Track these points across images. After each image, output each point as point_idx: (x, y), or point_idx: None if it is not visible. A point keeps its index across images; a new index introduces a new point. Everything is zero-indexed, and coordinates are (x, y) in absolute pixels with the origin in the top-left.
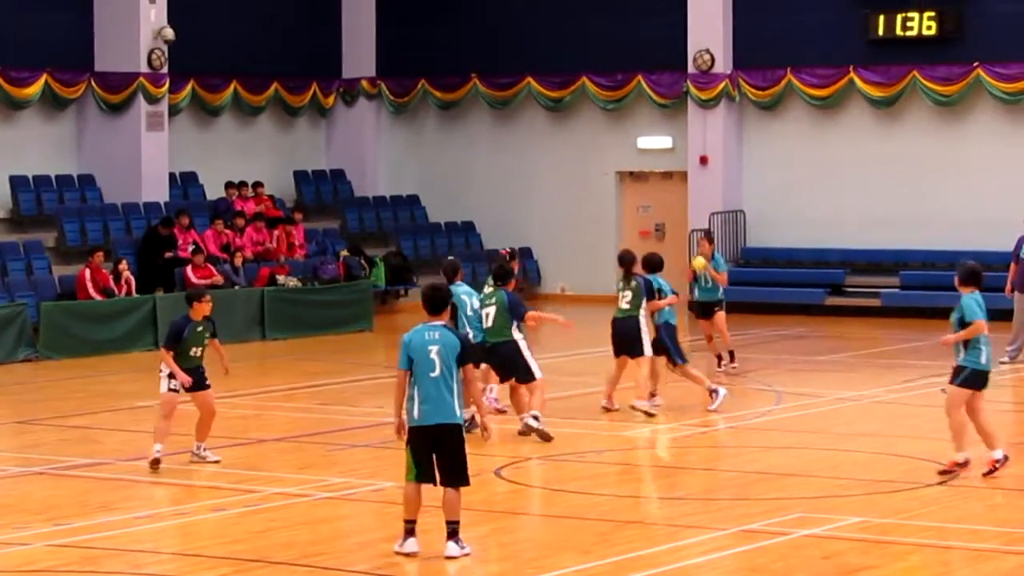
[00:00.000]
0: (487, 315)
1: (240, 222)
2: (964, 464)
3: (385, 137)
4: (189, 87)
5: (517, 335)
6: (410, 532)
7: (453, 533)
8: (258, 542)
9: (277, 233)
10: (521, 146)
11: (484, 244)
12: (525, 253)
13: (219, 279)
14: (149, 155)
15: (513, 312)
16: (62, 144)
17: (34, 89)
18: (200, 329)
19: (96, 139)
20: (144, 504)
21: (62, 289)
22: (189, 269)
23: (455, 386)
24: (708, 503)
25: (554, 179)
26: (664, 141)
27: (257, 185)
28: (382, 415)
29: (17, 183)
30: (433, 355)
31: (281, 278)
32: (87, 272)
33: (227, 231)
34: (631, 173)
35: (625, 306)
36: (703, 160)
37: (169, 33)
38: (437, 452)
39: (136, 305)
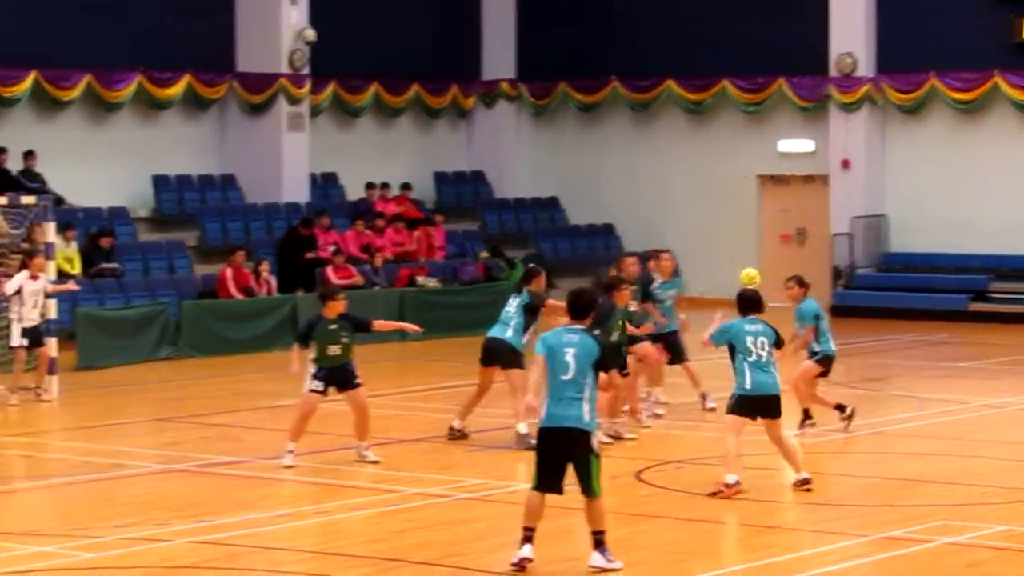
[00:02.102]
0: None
1: (380, 223)
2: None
3: (525, 139)
4: (330, 88)
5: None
6: (527, 539)
7: (598, 543)
8: (397, 542)
9: (417, 234)
10: (661, 148)
11: (623, 246)
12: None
13: (359, 280)
14: (290, 156)
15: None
16: (204, 144)
17: (176, 90)
18: (333, 327)
19: (237, 139)
20: (284, 502)
21: (203, 288)
22: (329, 269)
23: (587, 392)
24: (848, 509)
25: (694, 182)
26: (806, 145)
27: (405, 187)
28: None
29: (159, 183)
30: (568, 357)
31: (421, 279)
32: (228, 271)
33: (367, 232)
34: (772, 177)
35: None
36: (845, 164)
37: (310, 34)
38: (569, 459)
39: (276, 305)
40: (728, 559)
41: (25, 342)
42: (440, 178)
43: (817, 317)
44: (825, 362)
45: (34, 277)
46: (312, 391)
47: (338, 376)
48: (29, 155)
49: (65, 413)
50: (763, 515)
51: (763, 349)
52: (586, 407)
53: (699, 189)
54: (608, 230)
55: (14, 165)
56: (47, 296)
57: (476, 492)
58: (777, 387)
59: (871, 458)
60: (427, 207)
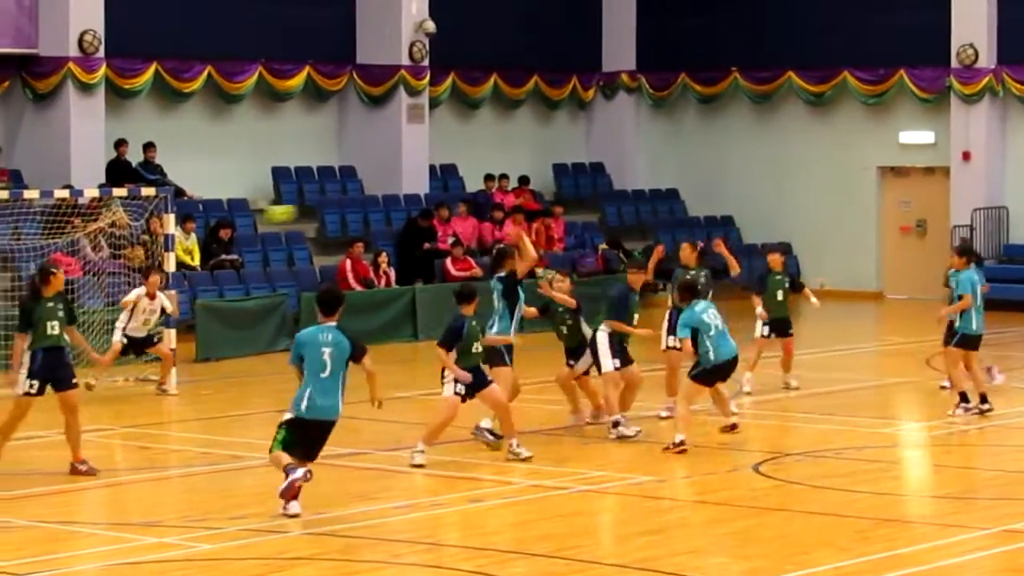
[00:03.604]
0: None
1: (499, 215)
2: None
3: (644, 131)
4: (449, 80)
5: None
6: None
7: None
8: (515, 534)
9: (536, 226)
10: (781, 140)
11: (743, 239)
12: (785, 248)
13: (478, 271)
14: (409, 147)
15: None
16: (323, 136)
17: (296, 81)
18: (475, 323)
19: (357, 131)
20: (402, 494)
21: (322, 279)
22: (448, 261)
23: (340, 385)
24: (968, 502)
25: (814, 173)
26: (926, 136)
27: (524, 179)
28: (641, 408)
29: (279, 174)
30: (325, 356)
31: (539, 271)
32: (347, 263)
33: (484, 223)
34: (892, 168)
35: None
36: (966, 156)
37: (430, 26)
38: (312, 441)
39: (395, 296)
40: (848, 552)
41: (124, 340)
42: (559, 170)
43: (973, 288)
44: (964, 342)
45: (151, 296)
46: (456, 394)
47: (474, 378)
48: (149, 147)
49: (183, 405)
50: (882, 508)
51: (716, 319)
52: (340, 399)
53: (819, 181)
54: (728, 222)
55: (134, 157)
56: (168, 314)
57: (594, 484)
58: (736, 350)
59: (992, 451)
60: (546, 199)
